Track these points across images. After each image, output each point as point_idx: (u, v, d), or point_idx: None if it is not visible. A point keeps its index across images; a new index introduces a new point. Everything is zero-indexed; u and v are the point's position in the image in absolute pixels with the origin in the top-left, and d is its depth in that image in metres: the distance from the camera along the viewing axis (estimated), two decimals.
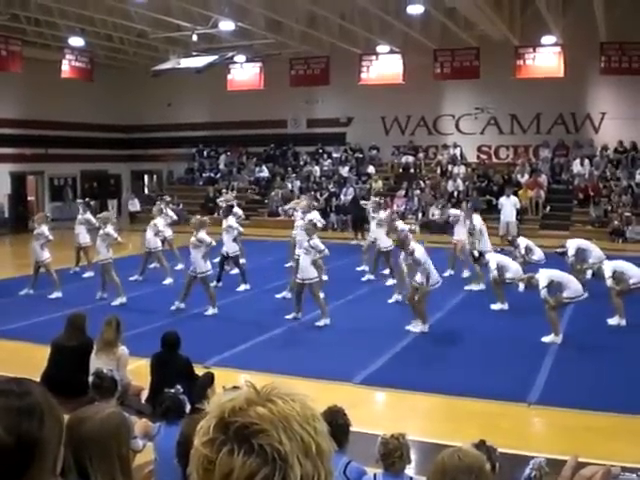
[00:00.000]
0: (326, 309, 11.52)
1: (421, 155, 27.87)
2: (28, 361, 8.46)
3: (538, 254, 13.73)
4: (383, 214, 14.79)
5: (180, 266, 15.74)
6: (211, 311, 12.11)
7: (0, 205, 26.72)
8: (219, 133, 30.61)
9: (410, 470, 4.83)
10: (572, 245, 13.20)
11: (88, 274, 15.69)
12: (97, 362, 7.19)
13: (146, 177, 33.97)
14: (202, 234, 12.10)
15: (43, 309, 12.10)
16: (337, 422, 4.55)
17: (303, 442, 1.08)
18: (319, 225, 14.83)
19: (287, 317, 11.57)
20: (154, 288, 14.35)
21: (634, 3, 19.85)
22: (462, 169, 26.30)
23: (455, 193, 25.18)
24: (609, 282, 11.12)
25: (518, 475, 3.74)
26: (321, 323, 11.34)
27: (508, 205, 21.16)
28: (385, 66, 24.88)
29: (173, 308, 12.20)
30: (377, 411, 8.37)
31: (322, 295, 11.84)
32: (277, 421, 1.07)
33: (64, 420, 1.59)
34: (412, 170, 27.37)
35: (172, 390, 5.54)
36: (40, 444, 1.45)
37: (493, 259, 12.36)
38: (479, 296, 13.30)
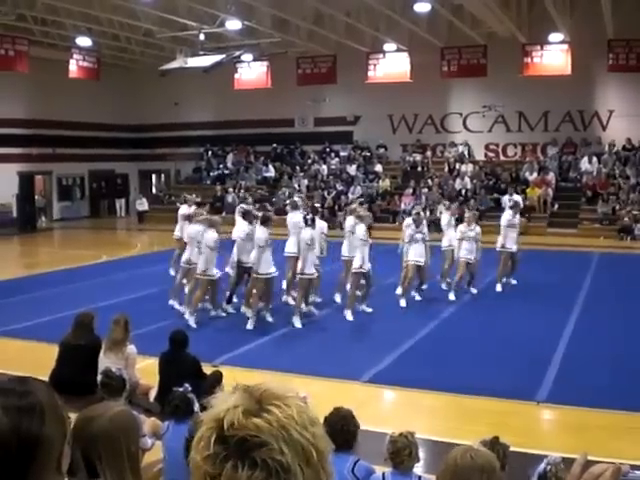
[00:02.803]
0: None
1: (429, 153, 27.86)
2: (37, 360, 8.48)
3: None
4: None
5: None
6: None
7: (8, 205, 26.81)
8: (226, 132, 30.62)
9: (419, 468, 4.83)
10: None
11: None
12: (106, 361, 7.21)
13: (154, 176, 34.06)
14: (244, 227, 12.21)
15: (51, 308, 12.12)
16: (348, 428, 4.54)
17: (303, 449, 1.08)
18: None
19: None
20: (161, 287, 14.34)
21: None
22: (470, 167, 26.26)
23: (463, 191, 25.13)
24: None
25: (526, 473, 3.73)
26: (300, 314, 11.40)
27: None
28: (392, 64, 24.88)
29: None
30: (385, 409, 8.35)
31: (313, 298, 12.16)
32: (276, 431, 1.06)
33: (69, 419, 1.59)
34: (420, 168, 27.34)
35: (180, 389, 5.55)
36: (41, 443, 1.45)
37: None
38: (486, 295, 13.28)
